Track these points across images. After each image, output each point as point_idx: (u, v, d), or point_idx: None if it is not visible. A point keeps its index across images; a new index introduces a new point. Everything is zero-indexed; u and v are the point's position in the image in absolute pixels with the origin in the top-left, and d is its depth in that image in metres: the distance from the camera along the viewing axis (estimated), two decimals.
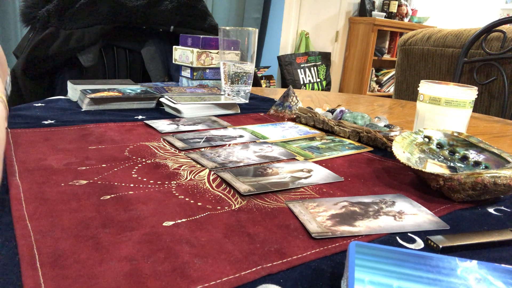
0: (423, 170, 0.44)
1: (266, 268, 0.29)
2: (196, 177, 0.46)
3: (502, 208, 0.43)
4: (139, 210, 0.36)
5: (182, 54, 1.03)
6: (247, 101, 0.94)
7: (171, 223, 0.34)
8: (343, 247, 0.33)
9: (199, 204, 0.39)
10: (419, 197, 0.44)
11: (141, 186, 0.42)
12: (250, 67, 0.91)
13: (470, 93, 0.60)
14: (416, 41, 1.46)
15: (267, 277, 0.28)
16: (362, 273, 0.24)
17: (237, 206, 0.39)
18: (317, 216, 0.37)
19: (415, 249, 0.33)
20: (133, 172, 0.45)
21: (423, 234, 0.36)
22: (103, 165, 0.47)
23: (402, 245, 0.34)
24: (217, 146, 0.58)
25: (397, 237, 0.35)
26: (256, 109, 0.86)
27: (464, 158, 0.51)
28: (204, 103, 0.78)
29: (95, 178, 0.43)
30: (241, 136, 0.64)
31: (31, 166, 0.45)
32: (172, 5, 1.46)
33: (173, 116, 0.76)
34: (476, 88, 0.60)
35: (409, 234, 0.36)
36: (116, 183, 0.42)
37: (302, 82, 3.32)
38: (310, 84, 3.39)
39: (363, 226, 0.36)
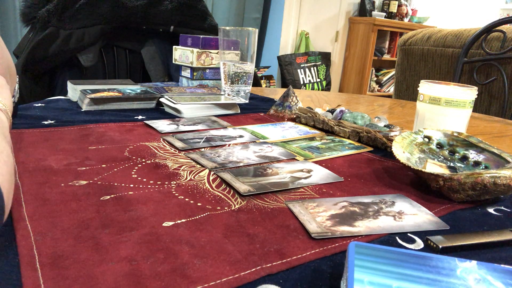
0: (423, 170, 0.44)
1: (265, 269, 0.29)
2: (196, 177, 0.46)
3: (502, 208, 0.43)
4: (139, 211, 0.36)
5: (182, 54, 1.03)
6: (247, 101, 0.94)
7: (171, 223, 0.34)
8: (342, 247, 0.33)
9: (199, 204, 0.39)
10: (419, 197, 0.44)
11: (141, 186, 0.42)
12: (250, 67, 0.91)
13: (470, 93, 0.60)
14: (416, 41, 1.46)
15: (267, 277, 0.28)
16: (362, 273, 0.24)
17: (237, 206, 0.39)
18: (316, 216, 0.37)
19: (414, 249, 0.33)
20: (133, 173, 0.45)
21: (423, 234, 0.36)
22: (103, 166, 0.47)
23: (401, 245, 0.34)
24: (217, 146, 0.58)
25: (397, 237, 0.35)
26: (256, 109, 0.86)
27: (464, 158, 0.51)
28: (204, 103, 0.78)
29: (95, 179, 0.43)
30: (241, 136, 0.64)
31: (31, 167, 0.45)
32: (172, 5, 1.46)
33: (173, 116, 0.76)
34: (476, 88, 0.60)
35: (408, 234, 0.36)
36: (116, 184, 0.42)
37: (302, 82, 3.32)
38: (310, 84, 3.39)
39: (362, 226, 0.36)
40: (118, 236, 0.32)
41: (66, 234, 0.31)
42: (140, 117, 0.73)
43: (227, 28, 0.88)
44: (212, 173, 0.47)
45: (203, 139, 0.61)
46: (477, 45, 1.27)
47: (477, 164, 0.50)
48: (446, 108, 0.60)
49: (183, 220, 0.35)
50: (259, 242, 0.32)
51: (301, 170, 0.50)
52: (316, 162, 0.53)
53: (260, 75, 3.20)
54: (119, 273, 0.27)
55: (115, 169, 0.46)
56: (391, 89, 3.82)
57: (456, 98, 0.59)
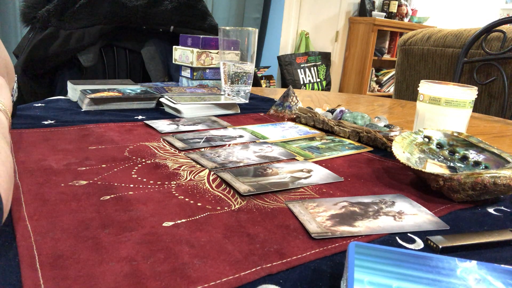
0: (423, 170, 0.44)
1: (265, 269, 0.29)
2: (196, 177, 0.46)
3: (502, 208, 0.43)
4: (139, 211, 0.36)
5: (182, 54, 1.03)
6: (247, 101, 0.94)
7: (171, 223, 0.34)
8: (342, 247, 0.33)
9: (199, 204, 0.39)
10: (419, 197, 0.44)
11: (141, 186, 0.42)
12: (250, 67, 0.91)
13: (470, 93, 0.60)
14: (416, 41, 1.46)
15: (267, 277, 0.28)
16: (362, 273, 0.24)
17: (237, 206, 0.39)
18: (316, 216, 0.37)
19: (414, 250, 0.33)
20: (133, 173, 0.45)
21: (423, 234, 0.36)
22: (103, 166, 0.47)
23: (401, 245, 0.34)
24: (217, 146, 0.58)
25: (397, 237, 0.35)
26: (256, 109, 0.86)
27: (464, 158, 0.51)
28: (204, 103, 0.78)
29: (95, 179, 0.43)
30: (241, 136, 0.64)
31: (31, 167, 0.45)
32: (172, 5, 1.46)
33: (173, 116, 0.76)
34: (476, 88, 0.60)
35: (409, 234, 0.36)
36: (116, 184, 0.42)
37: (302, 82, 3.32)
38: (310, 84, 3.39)
39: (362, 226, 0.36)
40: (118, 236, 0.32)
41: (66, 234, 0.31)
42: (140, 117, 0.73)
43: (227, 28, 0.88)
44: (212, 173, 0.47)
45: (203, 139, 0.61)
46: (477, 45, 1.27)
47: (477, 164, 0.50)
48: (446, 108, 0.60)
49: (183, 220, 0.35)
50: (259, 242, 0.32)
51: (301, 170, 0.50)
52: (316, 162, 0.53)
53: (260, 75, 3.20)
54: (119, 273, 0.27)
55: (115, 169, 0.46)
56: (391, 89, 3.82)
57: (456, 98, 0.59)
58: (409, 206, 0.41)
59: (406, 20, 3.79)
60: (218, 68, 1.03)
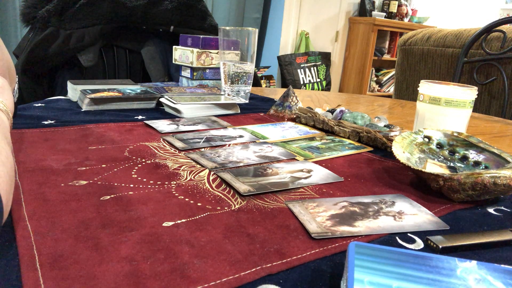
0: (423, 170, 0.44)
1: (265, 269, 0.29)
2: (196, 177, 0.46)
3: (502, 208, 0.43)
4: (139, 211, 0.36)
5: (182, 54, 1.03)
6: (247, 101, 0.94)
7: (171, 223, 0.34)
8: (342, 247, 0.33)
9: (199, 204, 0.39)
10: (419, 197, 0.44)
11: (141, 186, 0.42)
12: (250, 67, 0.91)
13: (470, 93, 0.60)
14: (416, 41, 1.46)
15: (267, 277, 0.28)
16: (362, 273, 0.24)
17: (237, 206, 0.39)
18: (317, 216, 0.37)
19: (414, 250, 0.33)
20: (133, 173, 0.45)
21: (423, 234, 0.36)
22: (103, 166, 0.47)
23: (402, 245, 0.34)
24: (217, 146, 0.58)
25: (397, 237, 0.35)
26: (256, 109, 0.86)
27: (464, 158, 0.51)
28: (204, 103, 0.78)
29: (95, 179, 0.43)
30: (241, 136, 0.64)
31: (31, 167, 0.45)
32: (172, 5, 1.46)
33: (173, 116, 0.76)
34: (476, 88, 0.60)
35: (409, 234, 0.36)
36: (116, 184, 0.42)
37: (302, 82, 3.32)
38: (310, 84, 3.39)
39: (362, 226, 0.36)
40: (118, 236, 0.32)
41: (66, 234, 0.31)
42: (140, 117, 0.73)
43: (227, 28, 0.88)
44: (212, 173, 0.47)
45: (203, 139, 0.61)
46: (477, 45, 1.27)
47: (477, 164, 0.50)
48: (446, 108, 0.60)
49: (183, 220, 0.35)
50: (259, 242, 0.32)
51: (301, 170, 0.50)
52: (316, 162, 0.53)
53: (260, 75, 3.21)
54: (119, 273, 0.27)
55: (115, 169, 0.46)
56: (391, 89, 3.82)
57: (456, 98, 0.59)
58: (409, 206, 0.41)
59: (406, 20, 3.79)
60: (218, 68, 1.03)
